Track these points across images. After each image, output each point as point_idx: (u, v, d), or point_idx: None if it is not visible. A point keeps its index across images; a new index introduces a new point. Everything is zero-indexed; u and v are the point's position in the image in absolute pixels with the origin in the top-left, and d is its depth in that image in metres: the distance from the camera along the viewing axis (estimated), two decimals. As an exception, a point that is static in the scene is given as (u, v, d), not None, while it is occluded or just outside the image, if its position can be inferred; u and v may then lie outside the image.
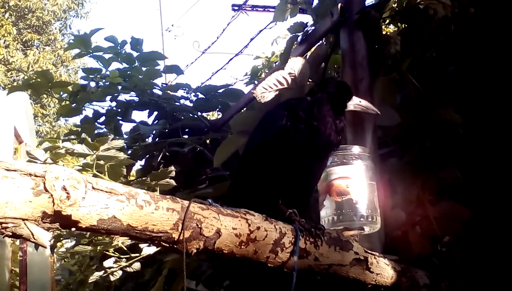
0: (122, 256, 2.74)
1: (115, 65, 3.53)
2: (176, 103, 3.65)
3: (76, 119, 3.94)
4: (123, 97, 3.59)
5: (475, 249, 1.89)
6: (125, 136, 3.47)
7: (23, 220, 1.01)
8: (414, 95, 2.12)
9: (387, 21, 2.50)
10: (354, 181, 1.57)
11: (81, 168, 2.49)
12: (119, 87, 3.46)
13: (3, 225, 1.00)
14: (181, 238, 1.18)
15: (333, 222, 1.55)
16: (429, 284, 1.67)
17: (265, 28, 6.08)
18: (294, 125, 1.42)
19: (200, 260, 2.56)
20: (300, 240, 1.37)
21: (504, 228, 1.90)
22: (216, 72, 7.36)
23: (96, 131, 3.55)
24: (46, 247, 1.10)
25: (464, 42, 2.22)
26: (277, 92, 1.89)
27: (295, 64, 1.93)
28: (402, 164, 2.05)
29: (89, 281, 3.10)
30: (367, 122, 1.92)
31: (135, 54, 3.52)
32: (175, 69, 3.98)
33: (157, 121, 3.55)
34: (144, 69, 3.56)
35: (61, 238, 3.16)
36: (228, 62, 7.29)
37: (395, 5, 2.38)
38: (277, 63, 3.88)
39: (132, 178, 3.25)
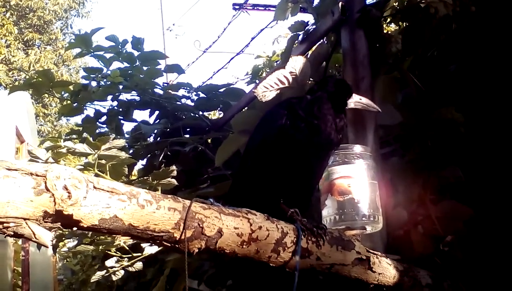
0: (124, 256, 2.74)
1: (116, 65, 3.54)
2: (178, 103, 3.65)
3: (78, 119, 3.95)
4: (124, 96, 3.60)
5: (477, 248, 1.89)
6: (126, 135, 3.48)
7: (25, 219, 1.01)
8: (415, 94, 2.11)
9: (388, 19, 2.50)
10: (356, 180, 1.56)
11: (82, 167, 2.49)
12: (120, 86, 3.47)
13: (5, 224, 1.00)
14: (182, 237, 1.18)
15: (335, 221, 1.55)
16: (431, 284, 1.67)
17: (266, 27, 6.07)
18: (294, 124, 1.42)
19: (202, 260, 2.56)
20: (302, 239, 1.37)
21: (506, 227, 1.90)
22: (217, 72, 7.35)
23: (97, 131, 3.56)
24: (48, 247, 1.10)
25: (465, 41, 2.22)
26: (278, 91, 1.88)
27: (296, 63, 1.93)
28: (403, 163, 2.05)
29: (91, 281, 3.10)
30: (368, 121, 1.92)
31: (136, 53, 3.52)
32: (176, 69, 3.99)
33: (158, 120, 3.56)
34: (145, 68, 3.56)
35: (63, 238, 3.16)
36: (229, 62, 7.27)
37: (396, 3, 2.38)
38: (278, 62, 3.89)
39: (133, 178, 3.26)
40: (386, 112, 2.02)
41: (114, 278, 2.80)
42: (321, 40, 2.41)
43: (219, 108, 3.83)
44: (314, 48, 2.44)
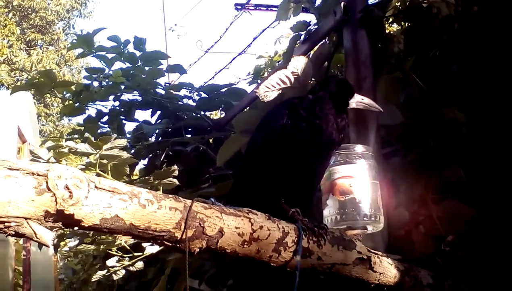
0: (125, 255, 2.74)
1: (118, 65, 3.54)
2: (179, 103, 3.66)
3: (80, 119, 3.97)
4: (126, 96, 3.61)
5: (479, 248, 1.89)
6: (128, 135, 3.48)
7: (26, 219, 1.01)
8: (417, 94, 2.11)
9: (391, 19, 2.50)
10: (357, 180, 1.56)
11: (84, 167, 2.49)
12: (122, 86, 3.47)
13: (6, 224, 1.00)
14: (183, 237, 1.18)
15: (336, 221, 1.55)
16: (433, 284, 1.66)
17: (268, 27, 6.06)
18: (295, 124, 1.42)
19: (203, 259, 2.56)
20: (303, 239, 1.37)
21: (508, 227, 1.90)
22: (219, 72, 7.37)
23: (99, 131, 3.56)
24: (49, 246, 1.10)
25: (467, 41, 2.22)
26: (280, 91, 1.88)
27: (298, 63, 1.93)
28: (405, 163, 2.04)
29: (92, 280, 3.10)
30: (370, 121, 1.92)
31: (138, 53, 3.53)
32: (178, 69, 3.99)
33: (160, 120, 3.56)
34: (147, 68, 3.57)
35: (65, 237, 3.17)
36: (231, 62, 7.28)
37: (399, 3, 2.37)
38: (280, 63, 3.89)
39: (135, 177, 3.26)
40: (388, 112, 2.02)
41: (115, 277, 2.80)
42: (323, 40, 2.41)
43: (220, 108, 3.83)
44: (316, 48, 2.44)
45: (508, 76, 2.04)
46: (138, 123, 3.53)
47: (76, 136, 3.65)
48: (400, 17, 2.35)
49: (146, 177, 2.57)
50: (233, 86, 3.86)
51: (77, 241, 3.14)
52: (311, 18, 2.65)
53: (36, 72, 12.72)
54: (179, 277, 2.68)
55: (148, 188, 1.91)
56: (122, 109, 3.58)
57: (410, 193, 1.92)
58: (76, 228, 1.09)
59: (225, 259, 2.30)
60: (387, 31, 2.49)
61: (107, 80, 3.49)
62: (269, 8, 6.48)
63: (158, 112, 3.60)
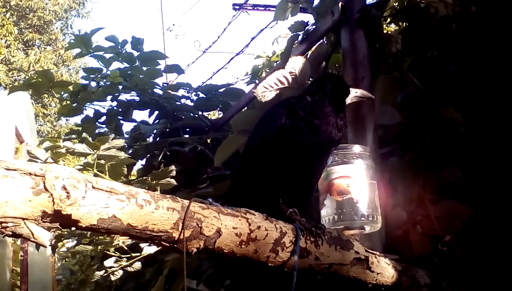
0: (123, 256, 2.74)
1: (116, 65, 3.54)
2: (177, 103, 3.65)
3: (77, 119, 3.95)
4: (124, 97, 3.60)
5: (476, 248, 1.89)
6: (126, 135, 3.47)
7: (23, 219, 1.01)
8: (415, 94, 2.11)
9: (388, 20, 2.50)
10: (355, 180, 1.56)
11: (81, 167, 2.49)
12: (120, 86, 3.47)
13: (3, 224, 0.99)
14: (181, 237, 1.17)
15: (333, 221, 1.55)
16: (430, 284, 1.67)
17: (266, 27, 6.07)
18: (293, 124, 1.42)
19: (200, 260, 2.56)
20: (301, 239, 1.37)
21: (505, 227, 1.90)
22: (217, 72, 7.36)
23: (97, 131, 3.55)
24: (46, 247, 1.10)
25: (465, 41, 2.22)
26: (277, 91, 1.89)
27: (296, 63, 1.93)
28: (403, 163, 2.05)
29: (90, 281, 3.10)
30: (368, 121, 1.92)
31: (136, 53, 3.53)
32: (176, 69, 3.99)
33: (158, 120, 3.56)
34: (145, 68, 3.56)
35: (62, 238, 3.16)
36: (229, 62, 7.27)
37: (396, 3, 2.38)
38: (278, 63, 3.89)
39: (133, 178, 3.25)
40: (386, 112, 2.02)
41: (113, 278, 2.81)
42: (321, 40, 2.41)
43: (218, 109, 3.83)
44: (314, 48, 2.44)
45: (506, 77, 2.04)
46: (136, 123, 3.53)
47: (73, 136, 3.65)
48: (398, 17, 2.35)
49: (144, 177, 2.58)
50: (231, 86, 3.86)
51: (74, 242, 3.13)
52: (309, 18, 2.66)
53: (33, 72, 12.71)
54: (177, 277, 2.68)
55: (146, 188, 1.91)
56: (120, 110, 3.57)
57: (408, 193, 1.92)
58: (73, 229, 1.09)
59: (223, 259, 2.29)
60: (385, 31, 2.49)
61: (105, 80, 3.49)
62: (267, 8, 6.48)
63: (156, 112, 3.59)
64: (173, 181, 2.45)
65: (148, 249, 2.67)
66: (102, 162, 2.42)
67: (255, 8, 6.63)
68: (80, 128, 3.66)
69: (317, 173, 1.52)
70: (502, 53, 2.09)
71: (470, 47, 2.20)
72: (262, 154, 1.46)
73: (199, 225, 1.20)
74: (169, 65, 4.00)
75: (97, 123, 3.58)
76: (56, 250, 4.17)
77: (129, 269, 2.78)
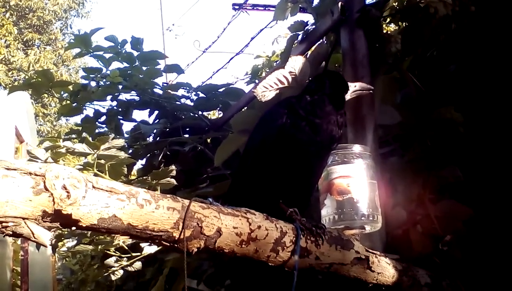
0: (123, 255, 2.75)
1: (115, 65, 3.54)
2: (177, 103, 3.65)
3: (77, 119, 3.96)
4: (123, 96, 3.61)
5: (477, 247, 1.89)
6: (126, 135, 3.48)
7: (24, 219, 1.01)
8: (414, 94, 2.11)
9: (388, 19, 2.50)
10: (355, 179, 1.56)
11: (82, 167, 2.49)
12: (120, 86, 3.47)
13: (4, 224, 1.00)
14: (181, 237, 1.17)
15: (334, 221, 1.55)
16: (430, 283, 1.67)
17: (265, 27, 6.07)
18: (294, 123, 1.42)
19: (201, 259, 2.56)
20: (301, 239, 1.37)
21: (505, 226, 1.90)
22: (216, 72, 7.36)
23: (97, 131, 3.56)
24: (47, 246, 1.10)
25: (465, 41, 2.22)
26: (277, 91, 1.88)
27: (296, 63, 1.93)
28: (403, 163, 2.05)
29: (91, 281, 3.10)
30: (368, 121, 1.92)
31: (135, 53, 3.53)
32: (176, 69, 3.99)
33: (158, 120, 3.56)
34: (144, 68, 3.57)
35: (62, 237, 3.17)
36: (228, 62, 7.27)
37: (396, 3, 2.38)
38: (277, 62, 3.88)
39: (133, 177, 3.25)
40: (386, 112, 2.02)
41: (113, 277, 2.81)
42: (321, 40, 2.41)
43: (218, 108, 3.83)
44: (313, 48, 2.44)
45: (506, 76, 2.05)
46: (136, 123, 3.53)
47: (73, 136, 3.65)
48: (398, 17, 2.35)
49: (144, 177, 2.58)
50: (231, 86, 3.86)
51: (75, 241, 3.14)
52: (308, 18, 2.66)
53: (33, 72, 12.71)
54: (177, 277, 2.68)
55: (146, 188, 1.90)
56: (120, 109, 3.58)
57: (408, 193, 1.92)
58: (74, 228, 1.09)
59: (223, 259, 2.30)
60: (384, 31, 2.49)
61: (104, 80, 3.49)
62: (266, 8, 6.48)
63: (156, 112, 3.60)
64: (173, 181, 2.45)
65: (149, 249, 2.67)
66: (102, 161, 2.42)
67: (255, 8, 6.62)
68: (80, 128, 3.66)
69: (317, 172, 1.52)
70: (501, 53, 2.09)
71: (470, 47, 2.20)
72: (263, 154, 1.46)
73: (200, 225, 1.20)
74: (169, 65, 4.00)
75: (97, 123, 3.58)
76: (57, 249, 4.17)
77: (129, 268, 2.78)
